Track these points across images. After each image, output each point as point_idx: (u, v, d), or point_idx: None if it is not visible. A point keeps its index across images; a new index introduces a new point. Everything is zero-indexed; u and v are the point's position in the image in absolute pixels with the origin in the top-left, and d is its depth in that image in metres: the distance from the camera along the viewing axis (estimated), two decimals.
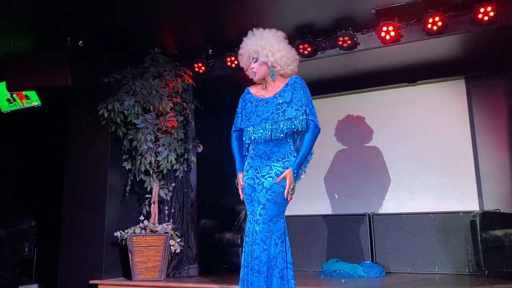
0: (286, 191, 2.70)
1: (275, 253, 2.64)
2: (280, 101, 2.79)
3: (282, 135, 2.74)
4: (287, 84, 2.84)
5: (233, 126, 3.01)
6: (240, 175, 2.90)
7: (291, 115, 2.74)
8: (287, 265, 2.69)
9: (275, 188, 2.71)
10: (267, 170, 2.75)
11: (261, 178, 2.76)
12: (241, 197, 2.90)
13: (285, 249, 2.70)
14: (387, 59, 5.03)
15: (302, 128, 2.76)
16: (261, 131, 2.77)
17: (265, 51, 2.82)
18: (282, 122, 2.74)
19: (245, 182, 2.84)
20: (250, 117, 2.86)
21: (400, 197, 5.35)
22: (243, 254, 2.80)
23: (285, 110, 2.76)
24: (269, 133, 2.74)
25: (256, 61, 2.86)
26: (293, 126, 2.74)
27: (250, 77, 3.02)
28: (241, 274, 2.77)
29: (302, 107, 2.76)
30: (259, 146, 2.81)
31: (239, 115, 2.97)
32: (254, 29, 2.94)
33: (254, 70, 2.88)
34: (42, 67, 4.57)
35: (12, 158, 5.97)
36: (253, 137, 2.81)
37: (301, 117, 2.74)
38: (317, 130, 2.80)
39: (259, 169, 2.78)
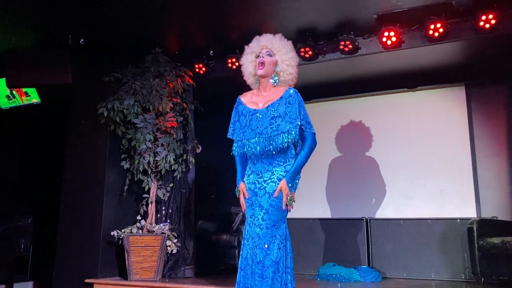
0: (283, 203, 2.69)
1: (277, 257, 2.65)
2: (274, 115, 2.76)
3: (277, 148, 2.72)
4: (281, 98, 2.79)
5: (228, 134, 2.97)
6: (242, 185, 2.86)
7: (284, 129, 2.73)
8: (286, 269, 2.69)
9: (278, 193, 2.70)
10: (269, 175, 2.74)
11: (263, 183, 2.74)
12: (243, 209, 2.85)
13: (285, 253, 2.70)
14: (388, 64, 5.03)
15: (296, 140, 2.76)
16: (255, 145, 2.76)
17: (281, 52, 2.84)
18: (276, 137, 2.72)
19: (246, 186, 2.82)
20: (245, 130, 2.83)
21: (398, 203, 5.35)
22: (240, 257, 2.79)
23: (279, 124, 2.74)
24: (264, 148, 2.73)
25: (269, 55, 2.84)
26: (287, 140, 2.72)
27: (245, 71, 2.97)
28: (237, 277, 2.77)
29: (295, 120, 2.74)
30: (259, 155, 2.80)
31: (232, 125, 2.95)
32: (264, 32, 2.96)
33: (264, 61, 2.82)
34: (42, 65, 4.57)
35: (11, 154, 5.96)
36: (248, 151, 2.79)
37: (293, 131, 2.73)
38: (315, 143, 2.80)
39: (261, 174, 2.77)
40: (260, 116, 2.80)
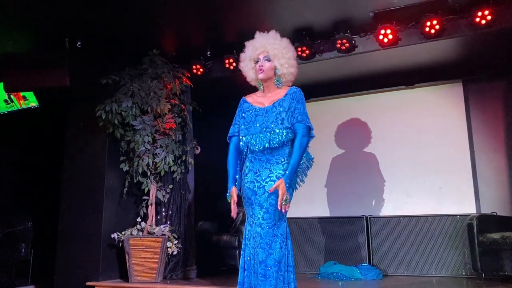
0: (279, 203, 2.62)
1: (280, 256, 2.65)
2: (280, 110, 2.79)
3: (280, 144, 2.74)
4: (287, 94, 2.83)
5: (229, 133, 2.95)
6: (233, 189, 2.81)
7: (289, 124, 2.76)
8: (288, 268, 2.69)
9: (278, 192, 2.68)
10: (268, 174, 2.74)
11: (261, 182, 2.73)
12: (232, 214, 2.75)
13: (287, 252, 2.70)
14: (385, 62, 5.04)
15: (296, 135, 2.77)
16: (259, 140, 2.76)
17: (278, 57, 2.84)
18: (280, 131, 2.74)
19: (244, 185, 2.81)
20: (250, 126, 2.84)
21: (397, 200, 5.35)
22: (241, 256, 2.79)
23: (284, 119, 2.77)
24: (268, 142, 2.74)
25: (268, 60, 2.85)
26: (290, 134, 2.76)
27: (247, 76, 2.97)
28: (239, 277, 2.76)
29: (298, 116, 2.77)
30: (258, 152, 2.79)
31: (236, 124, 2.94)
32: (260, 32, 2.94)
33: (263, 68, 2.84)
34: (40, 68, 4.56)
35: (10, 159, 5.96)
36: (251, 147, 2.79)
37: (297, 124, 2.76)
38: (304, 139, 2.75)
39: (259, 172, 2.76)
40: (266, 112, 2.82)
